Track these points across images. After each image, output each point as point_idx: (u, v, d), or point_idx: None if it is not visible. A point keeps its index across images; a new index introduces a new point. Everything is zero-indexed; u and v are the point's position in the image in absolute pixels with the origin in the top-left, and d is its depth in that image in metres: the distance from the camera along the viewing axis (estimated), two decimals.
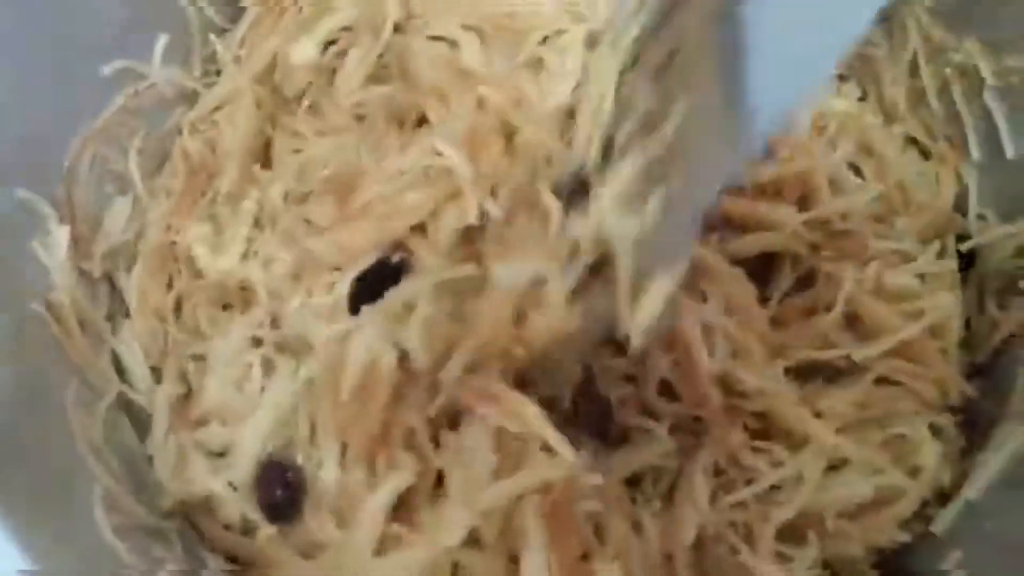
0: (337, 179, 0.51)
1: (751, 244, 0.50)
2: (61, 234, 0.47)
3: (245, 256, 0.53)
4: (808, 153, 0.52)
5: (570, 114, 0.50)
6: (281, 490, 0.45)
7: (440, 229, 0.48)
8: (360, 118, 0.54)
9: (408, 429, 0.44)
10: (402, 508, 0.44)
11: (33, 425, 0.42)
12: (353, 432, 0.44)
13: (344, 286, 0.48)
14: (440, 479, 0.45)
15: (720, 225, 0.50)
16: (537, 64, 0.53)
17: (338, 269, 0.49)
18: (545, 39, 0.54)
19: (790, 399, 0.47)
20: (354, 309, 0.47)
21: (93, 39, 0.51)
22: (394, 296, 0.46)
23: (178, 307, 0.53)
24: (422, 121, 0.52)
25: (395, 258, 0.48)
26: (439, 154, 0.48)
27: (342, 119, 0.54)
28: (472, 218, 0.47)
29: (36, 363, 0.44)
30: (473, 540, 0.43)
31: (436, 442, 0.45)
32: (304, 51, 0.56)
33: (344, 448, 0.45)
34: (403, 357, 0.45)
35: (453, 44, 0.53)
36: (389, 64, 0.55)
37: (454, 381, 0.44)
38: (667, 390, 0.48)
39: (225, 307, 0.52)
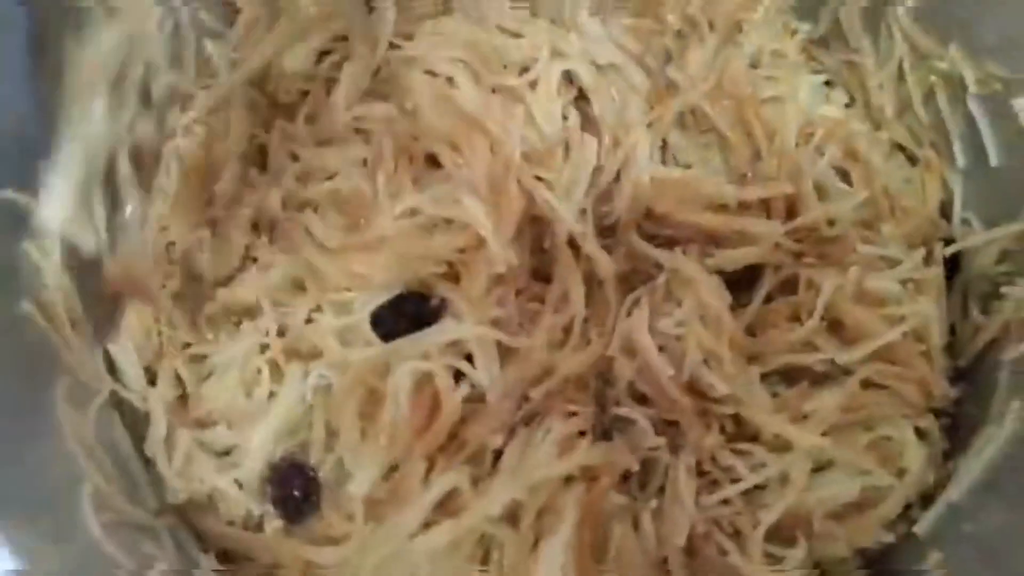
0: (344, 200, 0.52)
1: (734, 258, 0.50)
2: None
3: (243, 261, 0.53)
4: (793, 161, 0.53)
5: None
6: (298, 489, 0.47)
7: (474, 278, 0.49)
8: (360, 131, 0.54)
9: (479, 447, 0.46)
10: (445, 501, 0.46)
11: (24, 424, 0.43)
12: (411, 451, 0.46)
13: (363, 312, 0.49)
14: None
15: (703, 239, 0.51)
16: (519, 99, 0.54)
17: (348, 290, 0.50)
18: (524, 70, 0.55)
19: (763, 404, 0.48)
20: (381, 336, 0.49)
21: None
22: (442, 335, 0.48)
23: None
24: (433, 158, 0.52)
25: (434, 301, 0.49)
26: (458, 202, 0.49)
27: (342, 130, 0.54)
28: (501, 268, 0.48)
29: (27, 362, 0.45)
30: (511, 516, 0.45)
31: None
32: (296, 59, 0.57)
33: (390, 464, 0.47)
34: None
35: (449, 80, 0.54)
36: (387, 79, 0.55)
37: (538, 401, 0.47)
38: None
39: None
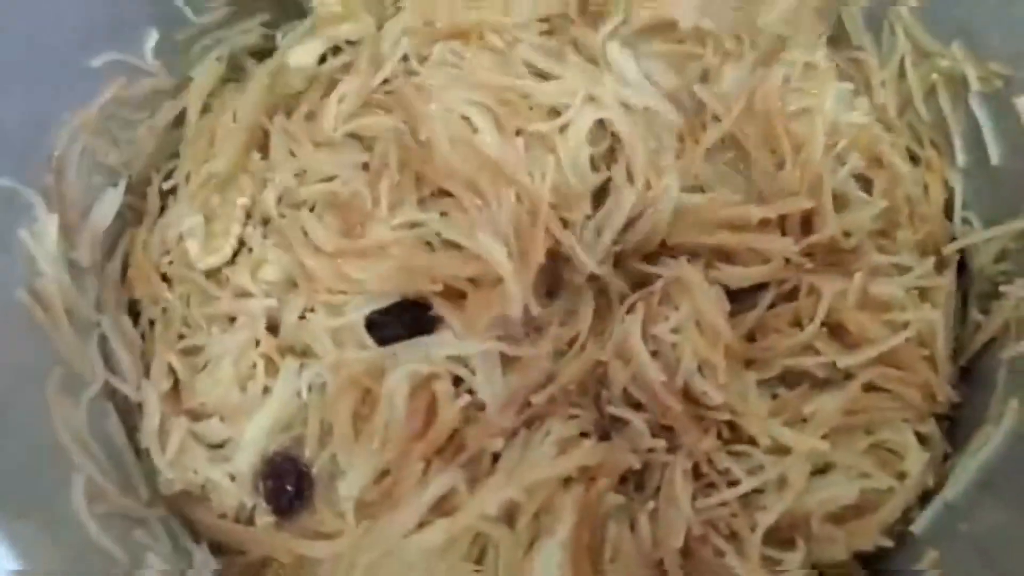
0: (341, 204, 0.51)
1: (743, 276, 0.49)
2: (50, 223, 0.47)
3: (236, 254, 0.53)
4: (816, 174, 0.51)
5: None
6: (291, 484, 0.47)
7: (480, 310, 0.47)
8: (357, 137, 0.54)
9: (477, 452, 0.46)
10: (441, 501, 0.45)
11: (17, 413, 0.42)
12: (405, 456, 0.46)
13: (355, 315, 0.49)
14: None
15: (710, 254, 0.50)
16: (546, 144, 0.52)
17: (342, 292, 0.49)
18: (554, 112, 0.52)
19: (759, 411, 0.47)
20: (377, 340, 0.48)
21: (84, 31, 0.51)
22: (442, 347, 0.47)
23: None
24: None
25: (433, 311, 0.48)
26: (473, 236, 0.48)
27: (338, 134, 0.54)
28: (516, 312, 0.47)
29: (21, 351, 0.44)
30: (508, 516, 0.45)
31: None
32: (302, 56, 0.57)
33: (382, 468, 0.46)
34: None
35: (467, 120, 0.52)
36: (395, 92, 0.54)
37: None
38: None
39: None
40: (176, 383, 0.51)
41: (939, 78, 0.54)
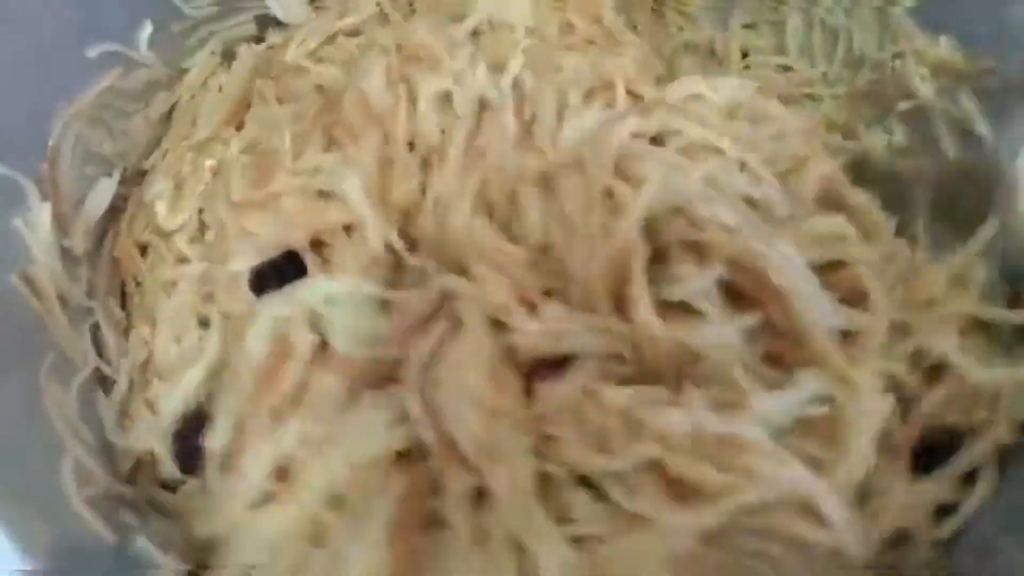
0: (260, 153, 0.52)
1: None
2: (43, 212, 0.48)
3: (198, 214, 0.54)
4: (619, 252, 0.41)
5: None
6: (195, 442, 0.45)
7: (342, 258, 0.47)
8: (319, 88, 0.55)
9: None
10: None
11: (9, 400, 0.43)
12: (257, 404, 0.44)
13: (243, 267, 0.48)
14: None
15: None
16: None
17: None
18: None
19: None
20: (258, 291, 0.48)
21: (79, 21, 0.51)
22: (310, 290, 0.45)
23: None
24: None
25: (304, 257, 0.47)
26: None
27: (300, 87, 0.55)
28: (376, 245, 0.45)
29: (13, 337, 0.45)
30: (337, 503, 0.42)
31: None
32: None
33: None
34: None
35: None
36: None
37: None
38: None
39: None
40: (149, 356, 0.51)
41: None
